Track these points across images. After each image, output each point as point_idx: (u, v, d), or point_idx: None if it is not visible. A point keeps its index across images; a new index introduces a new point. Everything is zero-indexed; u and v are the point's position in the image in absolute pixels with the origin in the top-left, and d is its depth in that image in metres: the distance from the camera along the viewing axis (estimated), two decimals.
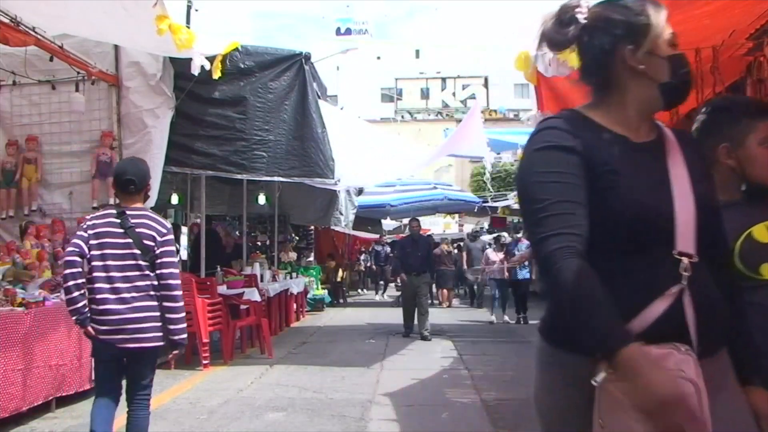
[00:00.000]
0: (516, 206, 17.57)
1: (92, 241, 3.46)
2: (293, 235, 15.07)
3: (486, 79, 44.90)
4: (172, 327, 3.48)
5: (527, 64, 5.54)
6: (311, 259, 16.12)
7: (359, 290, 21.39)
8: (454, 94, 46.36)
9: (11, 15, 5.20)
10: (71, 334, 5.31)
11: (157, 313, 3.46)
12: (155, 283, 3.47)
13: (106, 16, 5.21)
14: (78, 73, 6.61)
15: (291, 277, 12.02)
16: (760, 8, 4.88)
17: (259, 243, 14.13)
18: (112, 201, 6.81)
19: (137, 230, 3.48)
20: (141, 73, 6.93)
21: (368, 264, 22.50)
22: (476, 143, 10.19)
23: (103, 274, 3.44)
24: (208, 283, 8.16)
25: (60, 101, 7.02)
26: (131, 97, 6.96)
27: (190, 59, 5.89)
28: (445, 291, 16.12)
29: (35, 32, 5.54)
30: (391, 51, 47.57)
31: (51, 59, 6.20)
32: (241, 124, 7.26)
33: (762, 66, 5.97)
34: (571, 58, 4.88)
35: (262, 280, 9.75)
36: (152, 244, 3.48)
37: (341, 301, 17.19)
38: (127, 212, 3.53)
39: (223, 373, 6.97)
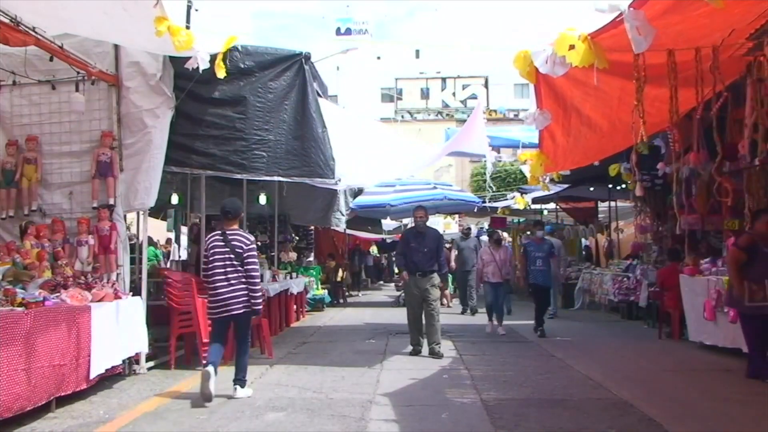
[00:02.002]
0: (516, 206, 17.54)
1: (210, 253, 5.80)
2: (293, 235, 15.06)
3: (486, 79, 44.87)
4: (253, 301, 5.79)
5: (526, 63, 5.56)
6: (311, 259, 16.11)
7: (354, 292, 20.42)
8: (454, 94, 46.32)
9: (11, 15, 5.20)
10: (70, 335, 5.32)
11: (245, 292, 5.72)
12: (244, 274, 5.70)
13: (106, 16, 5.21)
14: (78, 73, 6.61)
15: (291, 277, 12.01)
16: (759, 8, 4.88)
17: (259, 243, 14.09)
18: (111, 201, 6.84)
19: (232, 242, 5.76)
20: (141, 73, 6.93)
21: (362, 265, 21.85)
22: (478, 142, 10.19)
23: (214, 271, 5.74)
24: None
25: (60, 101, 7.02)
26: (131, 97, 6.96)
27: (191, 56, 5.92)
28: (445, 291, 16.09)
29: (35, 32, 5.54)
30: (391, 51, 47.55)
31: (51, 59, 6.19)
32: (241, 124, 7.26)
33: (762, 66, 5.97)
34: (570, 55, 4.89)
35: (262, 280, 9.73)
36: (241, 251, 5.75)
37: (341, 301, 17.18)
38: (227, 232, 5.82)
39: (223, 373, 6.96)
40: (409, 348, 8.57)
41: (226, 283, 5.68)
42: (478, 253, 12.50)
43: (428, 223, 8.76)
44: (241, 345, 5.91)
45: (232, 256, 5.70)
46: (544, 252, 10.28)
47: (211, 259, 5.78)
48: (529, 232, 15.52)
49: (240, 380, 5.83)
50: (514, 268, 11.25)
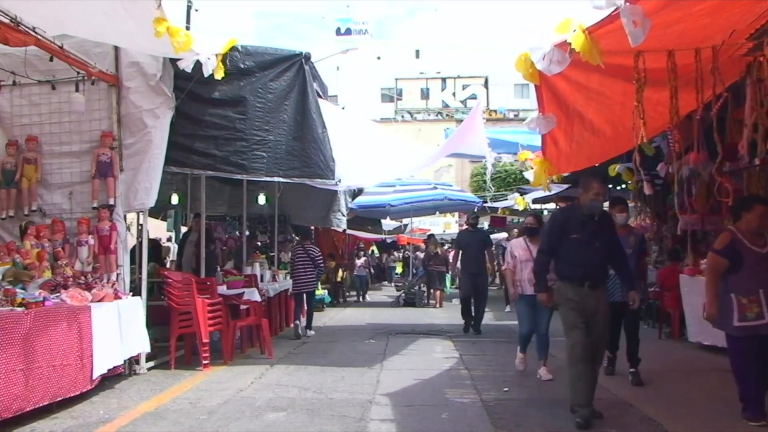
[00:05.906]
0: (517, 207, 17.54)
1: (296, 257, 10.43)
2: (293, 235, 15.05)
3: (486, 79, 44.88)
4: (318, 279, 10.93)
5: (527, 65, 5.54)
6: None
7: (345, 297, 18.32)
8: (454, 94, 46.34)
9: (11, 15, 5.20)
10: (71, 335, 5.31)
11: (314, 277, 10.40)
12: (314, 268, 10.26)
13: (106, 17, 5.21)
14: (78, 73, 6.61)
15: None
16: (760, 8, 4.87)
17: (259, 243, 14.10)
18: (111, 201, 6.85)
19: (309, 251, 10.33)
20: (141, 74, 6.93)
21: (369, 266, 21.33)
22: (477, 143, 10.17)
23: (298, 268, 10.29)
24: (208, 283, 8.17)
25: (60, 101, 7.01)
26: (131, 97, 6.96)
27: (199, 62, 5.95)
28: (438, 292, 16.07)
29: (35, 32, 5.53)
30: (391, 51, 47.53)
31: (51, 59, 6.19)
32: (241, 124, 7.26)
33: (762, 66, 5.96)
34: (573, 38, 4.84)
35: (262, 280, 9.75)
36: (314, 255, 10.32)
37: (341, 301, 17.16)
38: (304, 245, 10.50)
39: (223, 373, 6.97)
40: (410, 346, 8.50)
41: (303, 273, 10.14)
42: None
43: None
44: (310, 308, 10.31)
45: (308, 260, 10.17)
46: (629, 247, 6.19)
47: (296, 261, 10.27)
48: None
49: (309, 326, 10.23)
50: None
